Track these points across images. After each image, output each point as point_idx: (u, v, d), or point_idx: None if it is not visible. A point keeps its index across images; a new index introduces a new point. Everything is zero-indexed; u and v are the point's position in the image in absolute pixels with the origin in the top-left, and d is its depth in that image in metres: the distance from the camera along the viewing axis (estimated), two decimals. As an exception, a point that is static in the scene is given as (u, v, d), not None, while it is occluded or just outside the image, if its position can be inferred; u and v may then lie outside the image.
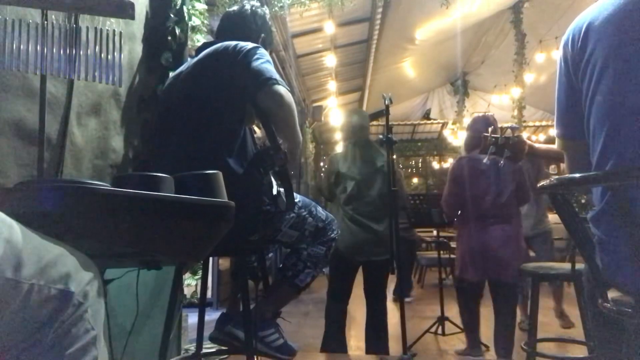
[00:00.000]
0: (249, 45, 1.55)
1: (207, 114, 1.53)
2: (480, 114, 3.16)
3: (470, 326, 2.98)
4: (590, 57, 1.02)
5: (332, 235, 1.75)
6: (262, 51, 1.56)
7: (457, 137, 11.28)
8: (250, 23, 1.75)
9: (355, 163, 2.87)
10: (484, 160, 2.73)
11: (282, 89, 1.48)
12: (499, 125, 2.86)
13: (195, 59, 1.66)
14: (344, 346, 2.87)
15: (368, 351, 2.85)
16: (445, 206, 3.04)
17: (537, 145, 1.81)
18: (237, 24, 1.74)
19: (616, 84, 0.98)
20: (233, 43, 1.57)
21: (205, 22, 2.59)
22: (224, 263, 4.68)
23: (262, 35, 1.77)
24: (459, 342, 3.23)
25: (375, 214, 2.76)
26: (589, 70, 1.02)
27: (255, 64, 1.50)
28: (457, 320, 3.17)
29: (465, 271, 2.87)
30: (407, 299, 5.16)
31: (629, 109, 0.96)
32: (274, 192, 1.53)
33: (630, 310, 0.90)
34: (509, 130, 1.93)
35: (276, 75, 1.50)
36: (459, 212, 2.94)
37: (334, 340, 2.83)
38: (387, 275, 2.83)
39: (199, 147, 1.50)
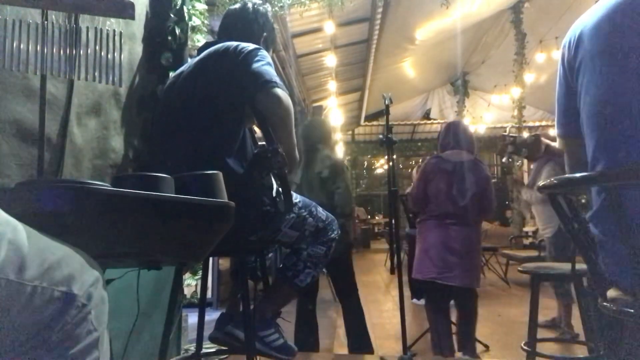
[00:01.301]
0: (250, 46, 1.55)
1: (207, 114, 1.53)
2: (456, 120, 3.28)
3: (436, 333, 2.89)
4: (581, 61, 1.06)
5: (332, 235, 1.75)
6: (263, 53, 1.56)
7: (457, 137, 11.27)
8: (253, 22, 1.75)
9: (298, 168, 2.91)
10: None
11: (280, 92, 1.48)
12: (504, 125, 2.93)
13: (196, 59, 1.66)
14: (315, 345, 2.92)
15: (351, 351, 2.90)
16: (412, 202, 3.06)
17: (553, 144, 1.83)
18: (240, 24, 1.74)
19: (602, 87, 1.01)
20: (234, 44, 1.57)
21: (205, 22, 2.58)
22: (224, 263, 4.68)
23: (265, 34, 1.77)
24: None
25: None
26: (580, 74, 1.06)
27: (256, 65, 1.50)
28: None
29: (418, 270, 2.88)
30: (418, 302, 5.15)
31: (616, 111, 0.99)
32: (274, 192, 1.53)
33: (631, 310, 0.90)
34: (525, 130, 1.97)
35: (276, 78, 1.50)
36: (423, 209, 2.96)
37: (306, 340, 2.86)
38: (346, 272, 2.94)
39: (199, 147, 1.50)
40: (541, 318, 3.02)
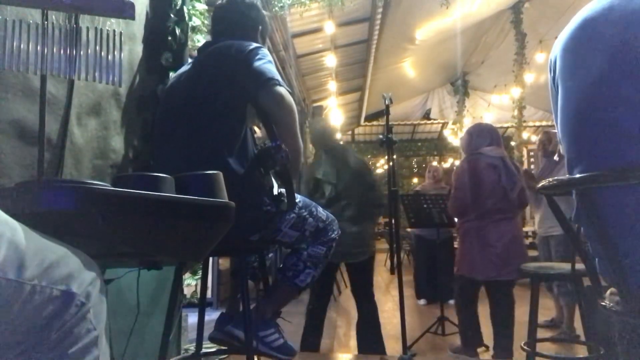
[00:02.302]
0: (250, 45, 1.56)
1: (208, 114, 1.53)
2: (482, 123, 3.43)
3: (468, 326, 2.98)
4: (557, 79, 1.12)
5: (333, 235, 1.75)
6: (263, 51, 1.56)
7: (457, 137, 11.30)
8: (246, 18, 1.72)
9: (330, 168, 2.92)
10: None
11: (282, 90, 1.49)
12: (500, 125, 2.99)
13: (197, 59, 1.66)
14: (317, 345, 2.94)
15: (361, 351, 2.91)
16: (457, 204, 3.04)
17: None
18: (233, 20, 1.70)
19: (567, 105, 1.07)
20: (235, 43, 1.57)
21: (206, 22, 2.58)
22: (224, 263, 4.69)
23: (260, 27, 1.76)
24: (460, 342, 3.23)
25: (352, 217, 2.78)
26: (559, 91, 1.12)
27: (257, 64, 1.50)
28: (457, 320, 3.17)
29: (468, 269, 2.88)
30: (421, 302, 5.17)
31: (577, 127, 1.04)
32: (275, 192, 1.53)
33: (619, 307, 0.91)
34: None
35: (277, 76, 1.50)
36: (472, 209, 2.96)
37: (312, 339, 2.86)
38: (369, 275, 2.99)
39: (200, 147, 1.50)
40: (541, 318, 3.03)
